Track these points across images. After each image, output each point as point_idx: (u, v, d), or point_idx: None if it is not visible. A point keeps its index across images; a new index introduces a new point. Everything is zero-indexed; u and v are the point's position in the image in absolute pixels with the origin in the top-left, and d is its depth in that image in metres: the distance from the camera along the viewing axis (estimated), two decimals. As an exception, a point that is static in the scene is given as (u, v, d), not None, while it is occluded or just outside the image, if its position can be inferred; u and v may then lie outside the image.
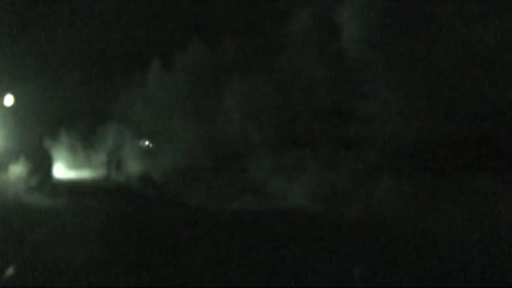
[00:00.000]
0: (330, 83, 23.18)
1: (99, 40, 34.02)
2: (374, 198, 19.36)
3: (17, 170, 24.82)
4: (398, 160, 20.15)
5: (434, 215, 17.16)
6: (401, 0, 21.30)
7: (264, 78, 25.12)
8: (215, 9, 29.60)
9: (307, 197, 20.82)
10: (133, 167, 30.19)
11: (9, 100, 28.53)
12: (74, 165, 32.10)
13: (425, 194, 18.70)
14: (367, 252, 14.28)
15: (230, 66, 27.35)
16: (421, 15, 20.64)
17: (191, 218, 19.06)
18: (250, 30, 27.48)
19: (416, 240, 15.31)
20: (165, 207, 21.09)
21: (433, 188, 18.84)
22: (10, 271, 12.98)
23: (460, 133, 19.12)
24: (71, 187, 25.67)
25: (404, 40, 20.79)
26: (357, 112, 21.83)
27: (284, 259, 13.82)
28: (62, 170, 30.80)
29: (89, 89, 35.69)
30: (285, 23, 24.70)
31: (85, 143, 33.15)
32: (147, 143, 34.14)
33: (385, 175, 19.90)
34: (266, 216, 19.15)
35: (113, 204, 21.08)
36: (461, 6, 19.74)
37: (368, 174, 20.64)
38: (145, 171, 28.62)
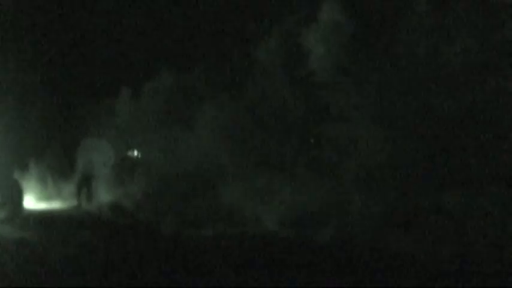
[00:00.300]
0: (299, 106, 23.35)
1: (69, 69, 34.03)
2: (346, 221, 19.41)
3: (-14, 203, 24.56)
4: (370, 182, 20.24)
5: (406, 236, 17.24)
6: (368, 24, 21.62)
7: (235, 103, 25.23)
8: (184, 36, 29.83)
9: (279, 220, 20.85)
10: (104, 195, 30.00)
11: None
12: (44, 196, 31.85)
13: (397, 215, 18.79)
14: (340, 276, 14.31)
15: (200, 91, 27.47)
16: (388, 38, 20.94)
17: (163, 247, 18.94)
18: (220, 56, 27.70)
19: (389, 263, 15.35)
20: (136, 236, 20.91)
21: (404, 208, 18.94)
22: None
23: (429, 153, 19.30)
24: (41, 219, 25.41)
25: (372, 63, 21.04)
26: (327, 135, 21.97)
27: (257, 284, 13.81)
28: (32, 202, 30.51)
29: (59, 118, 35.60)
30: (254, 48, 24.92)
31: (56, 173, 32.97)
32: (136, 153, 34.13)
33: (357, 197, 19.98)
34: (239, 242, 19.11)
35: (84, 235, 20.86)
36: (427, 30, 20.08)
37: (340, 196, 20.68)
38: (116, 200, 28.45)
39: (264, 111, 24.38)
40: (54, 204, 30.57)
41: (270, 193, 22.42)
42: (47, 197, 32.10)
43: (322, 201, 20.89)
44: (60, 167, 33.08)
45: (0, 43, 30.88)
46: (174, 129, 27.70)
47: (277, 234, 19.96)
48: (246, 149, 24.60)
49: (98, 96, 34.23)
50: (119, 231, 22.25)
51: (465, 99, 18.88)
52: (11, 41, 31.69)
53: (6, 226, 22.65)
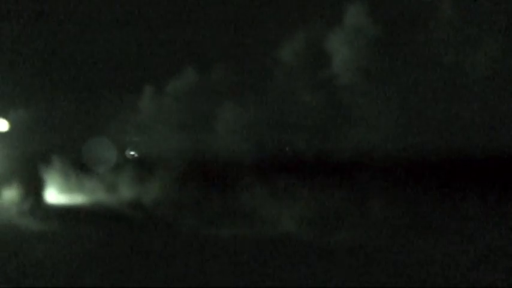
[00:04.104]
0: (321, 109, 23.29)
1: (93, 66, 34.21)
2: (365, 224, 19.34)
3: (9, 194, 24.80)
4: (389, 185, 20.16)
5: (424, 242, 17.13)
6: (392, 28, 21.54)
7: (255, 103, 25.24)
8: (207, 35, 29.85)
9: (297, 222, 20.79)
10: (124, 191, 30.16)
11: (3, 125, 28.62)
12: (66, 190, 32.04)
13: (416, 221, 18.67)
14: (358, 279, 14.28)
15: (221, 91, 27.49)
16: (411, 42, 20.86)
17: (181, 245, 19.04)
18: (242, 56, 27.67)
19: (408, 266, 15.27)
20: (155, 232, 21.06)
21: (423, 212, 18.83)
22: None
23: (451, 160, 19.18)
24: (63, 212, 25.66)
25: (394, 67, 20.97)
26: (348, 137, 21.89)
27: (274, 285, 13.85)
28: (54, 195, 30.74)
29: (83, 113, 35.85)
30: (276, 49, 24.89)
31: (78, 168, 33.15)
32: (132, 152, 34.35)
33: (376, 200, 19.90)
34: (256, 243, 19.10)
35: (104, 229, 21.05)
36: (449, 34, 19.99)
37: (359, 199, 20.61)
38: (136, 196, 28.57)
39: (286, 112, 24.35)
40: (76, 198, 30.77)
41: (288, 195, 22.39)
42: (68, 191, 32.31)
43: (341, 204, 20.83)
44: (83, 162, 33.29)
45: (23, 38, 31.19)
46: (195, 128, 27.78)
47: (294, 236, 19.90)
48: (266, 150, 24.61)
49: (121, 93, 34.43)
50: (137, 227, 22.39)
51: (490, 107, 18.75)
52: (35, 36, 31.98)
53: (28, 218, 22.88)
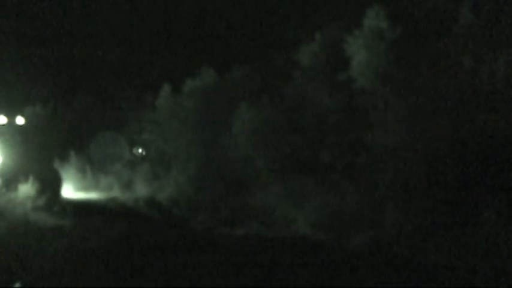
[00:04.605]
0: (338, 112, 23.27)
1: (111, 65, 34.61)
2: (380, 228, 19.29)
3: (25, 189, 24.97)
4: (405, 190, 20.09)
5: (441, 247, 17.05)
6: (410, 33, 21.50)
7: (272, 105, 25.26)
8: (225, 37, 30.07)
9: (312, 224, 20.79)
10: (140, 188, 30.36)
11: (20, 121, 28.89)
12: (82, 187, 32.36)
13: (432, 226, 18.59)
14: (372, 282, 14.27)
15: (239, 93, 27.56)
16: (429, 47, 20.82)
17: (196, 243, 19.13)
18: (260, 58, 27.78)
19: (423, 271, 15.24)
20: (170, 230, 21.17)
21: (439, 218, 18.75)
22: (17, 286, 13.28)
23: (467, 165, 19.08)
24: (78, 208, 25.84)
25: (413, 72, 20.92)
26: (365, 141, 21.85)
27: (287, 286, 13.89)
28: (70, 191, 31.02)
29: (100, 112, 36.19)
30: (294, 52, 24.89)
31: (94, 165, 33.49)
32: (140, 150, 34.71)
33: (392, 205, 19.84)
34: (271, 243, 19.15)
35: (119, 226, 21.19)
36: (467, 41, 19.95)
37: (374, 203, 20.56)
38: (151, 194, 28.76)
39: (302, 115, 24.36)
40: (92, 195, 31.04)
41: (303, 196, 22.40)
42: (84, 188, 32.62)
43: (356, 207, 20.78)
44: (99, 159, 33.65)
45: (44, 42, 31.64)
46: (211, 128, 27.91)
47: (309, 238, 19.92)
48: (282, 151, 24.65)
49: (139, 92, 34.77)
50: (153, 225, 22.51)
51: (506, 114, 18.65)
52: (53, 39, 32.45)
53: (43, 213, 23.03)
